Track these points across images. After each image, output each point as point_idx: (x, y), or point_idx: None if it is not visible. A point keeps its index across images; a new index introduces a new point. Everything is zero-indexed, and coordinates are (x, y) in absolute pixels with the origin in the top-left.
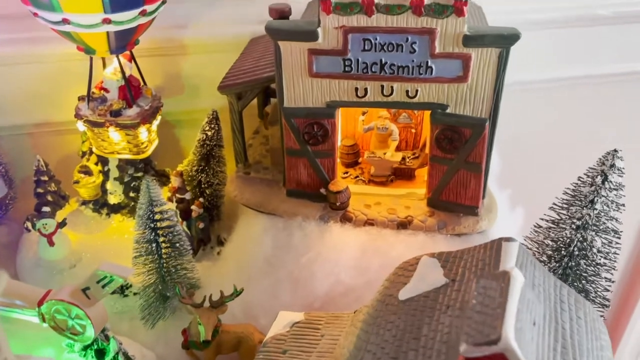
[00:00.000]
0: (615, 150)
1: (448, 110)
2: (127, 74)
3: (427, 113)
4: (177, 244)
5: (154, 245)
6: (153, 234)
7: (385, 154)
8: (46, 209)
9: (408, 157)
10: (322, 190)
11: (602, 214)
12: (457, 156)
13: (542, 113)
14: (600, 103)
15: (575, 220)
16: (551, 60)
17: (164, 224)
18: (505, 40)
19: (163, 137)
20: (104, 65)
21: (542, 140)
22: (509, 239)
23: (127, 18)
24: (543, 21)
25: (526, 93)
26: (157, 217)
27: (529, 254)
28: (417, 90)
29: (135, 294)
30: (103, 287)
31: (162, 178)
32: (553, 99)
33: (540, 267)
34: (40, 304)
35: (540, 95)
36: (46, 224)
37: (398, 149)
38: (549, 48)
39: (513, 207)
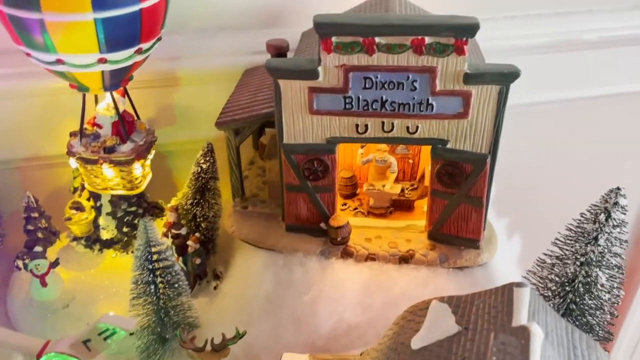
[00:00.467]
0: (618, 188)
1: (449, 146)
2: (121, 109)
3: (427, 147)
4: (176, 284)
5: (152, 286)
6: (151, 275)
7: (384, 186)
8: (38, 248)
9: (407, 189)
10: (323, 225)
11: (606, 250)
12: (458, 191)
13: (533, 136)
14: (591, 125)
15: (579, 257)
16: (542, 83)
17: (162, 264)
18: (505, 77)
19: (155, 169)
20: (97, 101)
21: (536, 164)
22: (519, 285)
23: (123, 57)
24: (532, 46)
25: (517, 117)
26: (154, 257)
27: (540, 299)
28: (417, 127)
29: (131, 334)
30: (105, 339)
31: (156, 210)
32: (544, 122)
33: (551, 312)
34: (39, 356)
35: (531, 118)
36: (38, 265)
37: (396, 180)
38: (539, 72)
39: (510, 234)
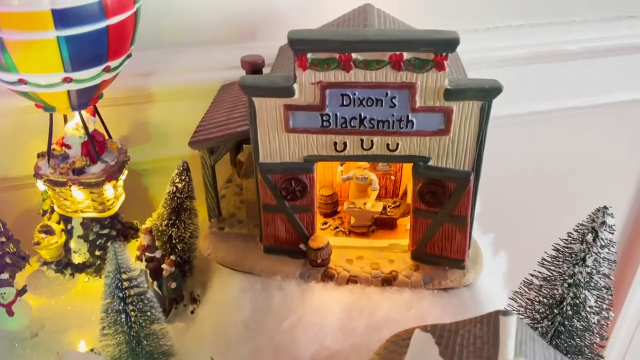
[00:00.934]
0: (606, 207)
1: (430, 163)
2: (91, 128)
3: (409, 164)
4: (148, 312)
5: (123, 315)
6: (122, 303)
7: (365, 204)
8: (4, 275)
9: (389, 206)
10: (302, 246)
11: (594, 271)
12: (441, 210)
13: (517, 149)
14: (576, 136)
15: (567, 278)
16: (524, 95)
17: (133, 291)
18: (487, 93)
19: (131, 188)
20: (65, 120)
21: (521, 177)
22: (506, 313)
23: (89, 76)
24: (514, 58)
25: (499, 129)
26: (125, 284)
27: (527, 328)
28: (398, 144)
29: None
30: None
31: (131, 231)
32: (527, 134)
33: (539, 341)
34: None
35: (514, 130)
36: (4, 293)
37: (378, 197)
38: (521, 84)
39: (496, 251)
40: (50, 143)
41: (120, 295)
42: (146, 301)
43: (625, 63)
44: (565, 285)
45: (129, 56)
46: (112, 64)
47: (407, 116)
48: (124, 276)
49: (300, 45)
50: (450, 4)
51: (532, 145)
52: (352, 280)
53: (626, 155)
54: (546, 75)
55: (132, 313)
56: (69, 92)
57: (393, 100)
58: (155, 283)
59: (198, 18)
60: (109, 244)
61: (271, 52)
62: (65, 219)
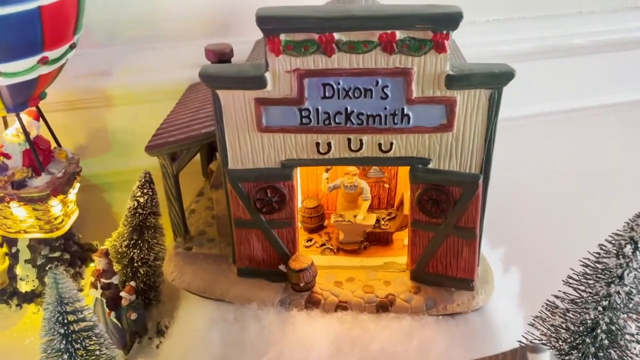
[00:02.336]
0: None
1: (431, 166)
2: (33, 134)
3: (405, 167)
4: (97, 351)
5: (65, 356)
6: (64, 341)
7: (355, 216)
8: None
9: (383, 219)
10: (282, 268)
11: (634, 290)
12: (445, 220)
13: (524, 153)
14: (587, 136)
15: (600, 300)
16: (531, 94)
17: (79, 326)
18: (496, 79)
19: (89, 204)
20: (6, 125)
21: (531, 184)
22: (535, 349)
23: (22, 68)
24: (517, 53)
25: (505, 132)
26: (69, 318)
27: None
28: (392, 143)
29: None
30: None
31: (89, 254)
32: (536, 135)
33: None
34: None
35: (521, 132)
36: None
37: (370, 208)
38: (526, 81)
39: (507, 268)
40: None
41: (62, 331)
42: (95, 338)
43: (638, 58)
44: (599, 308)
45: (72, 46)
46: (50, 54)
47: (402, 109)
48: (67, 308)
49: (272, 24)
50: None
51: (542, 148)
52: (341, 306)
53: None
54: (553, 72)
55: (78, 352)
56: None
57: (385, 90)
58: (113, 314)
59: (161, 9)
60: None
61: (244, 48)
62: (9, 241)
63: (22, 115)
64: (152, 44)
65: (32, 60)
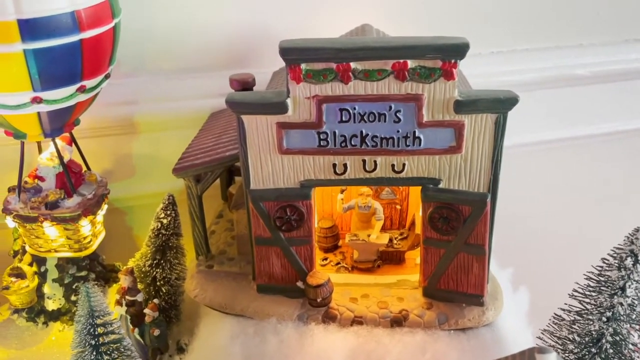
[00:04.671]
0: None
1: (441, 185)
2: (67, 158)
3: (416, 189)
4: None
5: None
6: (94, 352)
7: (369, 236)
8: None
9: (395, 238)
10: (300, 284)
11: (636, 301)
12: (455, 238)
13: (529, 177)
14: (589, 163)
15: (604, 311)
16: (534, 122)
17: (108, 338)
18: (502, 104)
19: (112, 226)
20: (40, 150)
21: (537, 206)
22: (542, 350)
23: (62, 96)
24: (521, 83)
25: (510, 159)
26: (99, 330)
27: None
28: (404, 164)
29: None
30: None
31: (112, 274)
32: (539, 162)
33: None
34: None
35: (525, 159)
36: None
37: (383, 228)
38: (530, 110)
39: (516, 287)
40: (21, 175)
41: (93, 343)
42: (123, 349)
43: (638, 88)
44: (603, 319)
45: (107, 76)
46: (88, 83)
47: (414, 132)
48: (97, 321)
49: (294, 55)
50: (453, 26)
51: (547, 174)
52: (357, 321)
53: None
54: (555, 102)
55: None
56: (39, 114)
57: (397, 114)
58: (136, 330)
59: (185, 43)
60: None
61: (264, 78)
62: (39, 261)
63: (57, 140)
64: (176, 75)
65: (72, 89)
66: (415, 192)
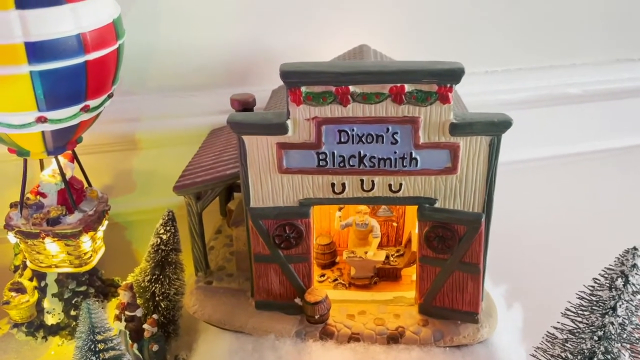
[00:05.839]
0: (635, 249)
1: (437, 205)
2: (68, 175)
3: (413, 207)
4: None
5: None
6: None
7: (366, 253)
8: None
9: (392, 255)
10: (298, 301)
11: (627, 321)
12: (450, 256)
13: (521, 195)
14: (581, 180)
15: (595, 330)
16: (528, 139)
17: (109, 354)
18: (496, 127)
19: (113, 241)
20: (42, 167)
21: (529, 224)
22: None
23: (66, 115)
24: (514, 101)
25: (504, 176)
26: (100, 346)
27: None
28: (401, 184)
29: None
30: None
31: (111, 289)
32: (532, 179)
33: None
34: None
35: (519, 176)
36: None
37: (380, 245)
38: (524, 128)
39: (510, 304)
40: (23, 191)
41: (94, 359)
42: None
43: (630, 106)
44: (595, 338)
45: (110, 96)
46: (92, 103)
47: (411, 153)
48: (98, 337)
49: (294, 78)
50: (448, 47)
51: (540, 190)
52: (354, 338)
53: (639, 199)
54: (549, 119)
55: None
56: (43, 133)
57: (395, 136)
58: (135, 345)
59: (185, 61)
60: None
61: (263, 96)
62: (39, 276)
63: (59, 157)
64: (177, 93)
65: (76, 109)
66: (411, 209)
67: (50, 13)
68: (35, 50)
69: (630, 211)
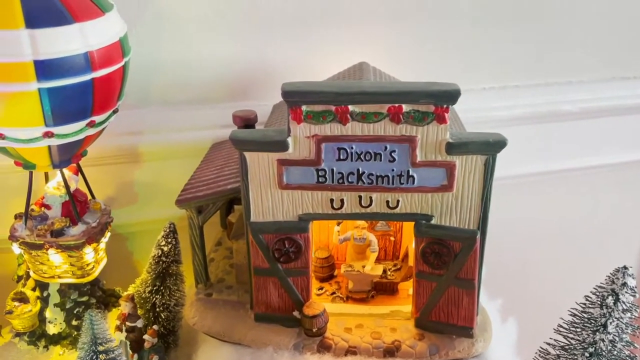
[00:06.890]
0: (626, 267)
1: (433, 222)
2: (73, 187)
3: (410, 222)
4: None
5: None
6: None
7: (364, 267)
8: None
9: (389, 270)
10: (296, 314)
11: (617, 338)
12: (446, 272)
13: (517, 210)
14: (577, 196)
15: (587, 346)
16: (524, 155)
17: None
18: (491, 147)
19: (115, 252)
20: (47, 179)
21: (524, 239)
22: None
23: (72, 130)
24: (511, 118)
25: (500, 191)
26: (101, 357)
27: None
28: (398, 201)
29: None
30: None
31: (112, 299)
32: (528, 194)
33: None
34: None
35: (515, 191)
36: None
37: (377, 259)
38: (520, 144)
39: (504, 318)
40: (28, 203)
41: None
42: None
43: (624, 123)
44: (586, 354)
45: (115, 111)
46: (97, 118)
47: (408, 171)
48: (100, 348)
49: (295, 97)
50: (446, 64)
51: (536, 205)
52: (351, 351)
53: (632, 215)
54: (545, 136)
55: None
56: (50, 147)
57: (392, 154)
58: (135, 356)
59: (188, 75)
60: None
61: (264, 110)
62: (42, 286)
63: (64, 170)
64: (179, 107)
65: (82, 124)
66: (408, 225)
67: (59, 32)
68: (44, 68)
69: (624, 227)
